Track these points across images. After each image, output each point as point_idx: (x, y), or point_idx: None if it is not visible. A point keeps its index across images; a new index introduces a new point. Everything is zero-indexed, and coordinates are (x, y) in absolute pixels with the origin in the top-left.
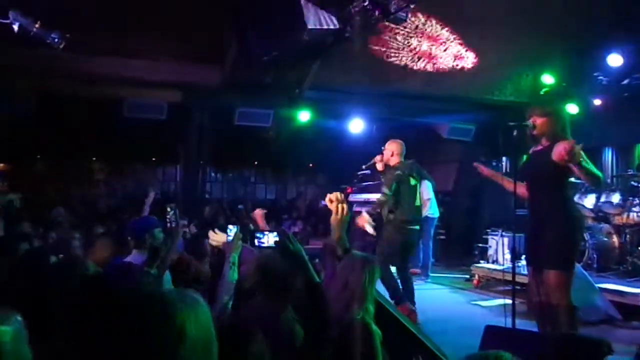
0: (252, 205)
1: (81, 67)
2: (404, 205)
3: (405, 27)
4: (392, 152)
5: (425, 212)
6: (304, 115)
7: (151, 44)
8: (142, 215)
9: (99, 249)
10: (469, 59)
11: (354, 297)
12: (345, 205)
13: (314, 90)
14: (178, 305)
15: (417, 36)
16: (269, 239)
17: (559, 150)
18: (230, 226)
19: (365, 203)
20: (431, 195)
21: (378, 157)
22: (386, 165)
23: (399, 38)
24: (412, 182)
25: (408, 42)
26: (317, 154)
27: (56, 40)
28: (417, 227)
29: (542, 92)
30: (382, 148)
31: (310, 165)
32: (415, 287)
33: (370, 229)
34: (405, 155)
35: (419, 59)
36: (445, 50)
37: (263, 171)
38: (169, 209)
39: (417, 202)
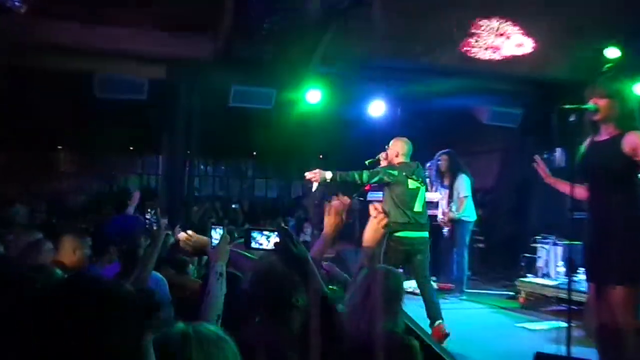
0: (250, 204)
1: (45, 35)
2: (397, 208)
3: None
4: (396, 152)
5: (460, 213)
6: (313, 96)
7: (129, 9)
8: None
9: (64, 251)
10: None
11: (378, 309)
12: (385, 219)
13: (326, 65)
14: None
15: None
16: (269, 239)
17: (632, 140)
18: (216, 227)
19: None
20: (468, 192)
21: (383, 155)
22: (388, 164)
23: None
24: (412, 184)
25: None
26: (328, 142)
27: (17, 3)
28: (417, 234)
29: (605, 68)
30: (386, 147)
31: (320, 156)
32: (447, 306)
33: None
34: (437, 146)
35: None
36: (503, 37)
37: (263, 163)
38: (150, 210)
39: (419, 207)
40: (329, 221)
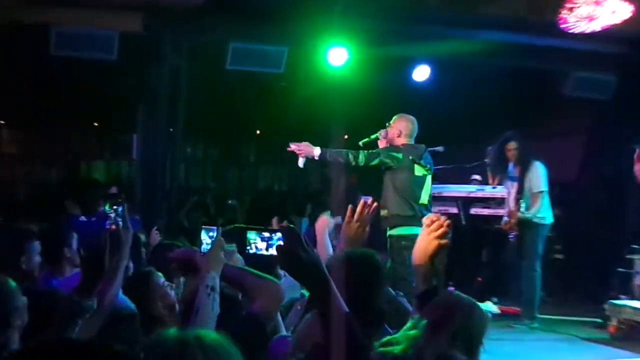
0: (252, 199)
1: None
2: (400, 198)
3: None
4: (399, 130)
5: (532, 213)
6: (336, 56)
7: None
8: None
9: None
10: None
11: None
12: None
13: (354, 14)
14: None
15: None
16: (270, 243)
17: None
18: (208, 229)
19: (439, 198)
20: (545, 187)
21: (382, 132)
22: (390, 145)
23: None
24: (418, 171)
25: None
26: (357, 118)
27: None
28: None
29: None
30: (387, 124)
31: (346, 137)
32: (513, 336)
33: None
34: (498, 124)
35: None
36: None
37: (270, 146)
38: (113, 205)
39: (425, 199)
40: (319, 249)
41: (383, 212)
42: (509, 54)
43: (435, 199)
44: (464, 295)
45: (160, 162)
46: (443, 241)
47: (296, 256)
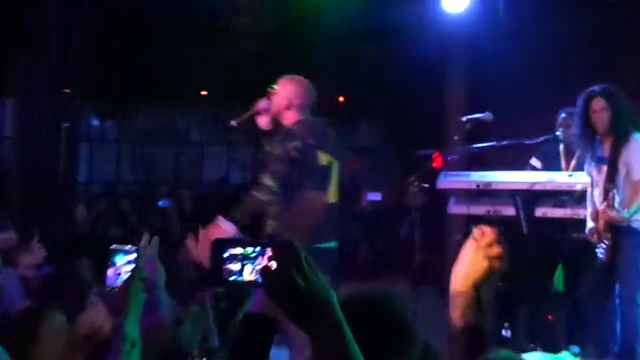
0: (197, 197)
1: None
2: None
3: None
4: (288, 99)
5: (631, 212)
6: None
7: None
8: None
9: None
10: None
11: None
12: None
13: None
14: None
15: None
16: (252, 263)
17: None
18: (123, 251)
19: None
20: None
21: (263, 104)
22: (275, 123)
23: None
24: (323, 160)
25: None
26: (356, 74)
27: None
28: (326, 245)
29: None
30: (269, 89)
31: (341, 99)
32: None
33: None
34: (576, 78)
35: None
36: None
37: (221, 114)
38: None
39: (332, 197)
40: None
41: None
42: None
43: (479, 194)
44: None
45: (47, 140)
46: (496, 263)
47: (292, 284)
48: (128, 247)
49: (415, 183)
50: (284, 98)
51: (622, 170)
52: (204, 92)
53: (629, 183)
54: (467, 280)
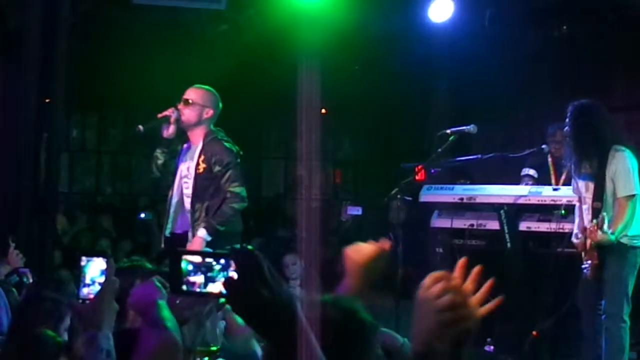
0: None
1: None
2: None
3: None
4: (209, 109)
5: (618, 230)
6: None
7: None
8: None
9: None
10: None
11: None
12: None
13: None
14: None
15: None
16: (214, 276)
17: None
18: (91, 259)
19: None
20: (637, 188)
21: (171, 114)
22: (181, 130)
23: None
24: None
25: None
26: (338, 78)
27: None
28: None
29: None
30: (187, 100)
31: (323, 110)
32: None
33: None
34: (562, 90)
35: None
36: None
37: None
38: None
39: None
40: None
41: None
42: None
43: (463, 207)
44: None
45: (27, 150)
46: (445, 317)
47: (255, 295)
48: (98, 258)
49: (398, 196)
50: (202, 108)
51: (609, 186)
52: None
53: (615, 202)
54: (417, 339)
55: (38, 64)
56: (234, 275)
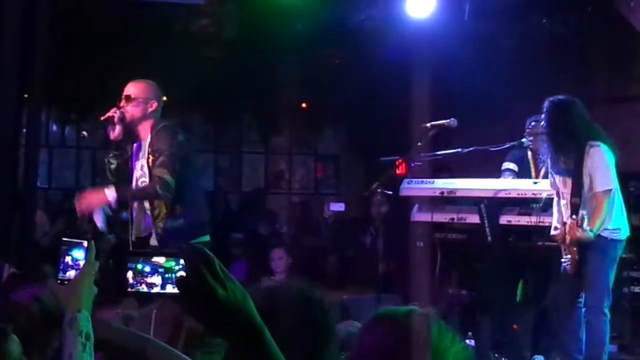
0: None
1: None
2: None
3: None
4: (152, 103)
5: (597, 225)
6: None
7: None
8: None
9: None
10: None
11: None
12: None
13: None
14: None
15: None
16: (167, 275)
17: None
18: (72, 246)
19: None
20: (613, 183)
21: (114, 114)
22: (128, 128)
23: None
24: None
25: None
26: (319, 79)
27: None
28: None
29: None
30: (125, 96)
31: (304, 105)
32: None
33: None
34: (539, 85)
35: None
36: None
37: (189, 118)
38: None
39: None
40: None
41: (169, 224)
42: None
43: (443, 201)
44: None
45: (4, 147)
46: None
47: (211, 292)
48: (79, 241)
49: (379, 190)
50: (140, 104)
51: (586, 181)
52: (163, 98)
53: (592, 196)
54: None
55: (16, 60)
56: (183, 274)
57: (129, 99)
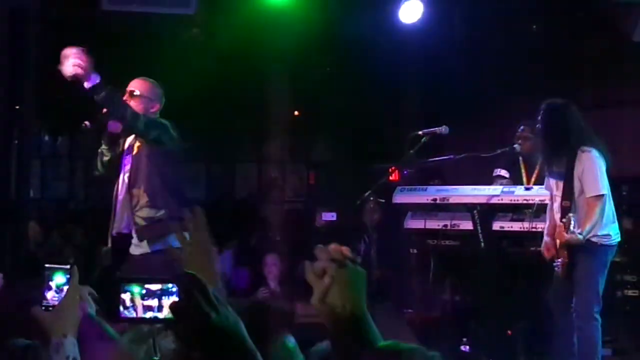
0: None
1: None
2: (171, 196)
3: None
4: (155, 101)
5: (587, 230)
6: None
7: None
8: None
9: None
10: None
11: None
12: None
13: None
14: None
15: None
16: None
17: None
18: (55, 269)
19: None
20: (605, 188)
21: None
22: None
23: None
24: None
25: None
26: (311, 87)
27: None
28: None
29: None
30: (129, 91)
31: (297, 113)
32: None
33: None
34: (531, 90)
35: None
36: None
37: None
38: None
39: None
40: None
41: (148, 213)
42: None
43: (436, 208)
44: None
45: None
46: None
47: (205, 318)
48: (63, 266)
49: (372, 198)
50: (148, 100)
51: (577, 185)
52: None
53: (584, 201)
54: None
55: (6, 70)
56: (176, 299)
57: (132, 94)
